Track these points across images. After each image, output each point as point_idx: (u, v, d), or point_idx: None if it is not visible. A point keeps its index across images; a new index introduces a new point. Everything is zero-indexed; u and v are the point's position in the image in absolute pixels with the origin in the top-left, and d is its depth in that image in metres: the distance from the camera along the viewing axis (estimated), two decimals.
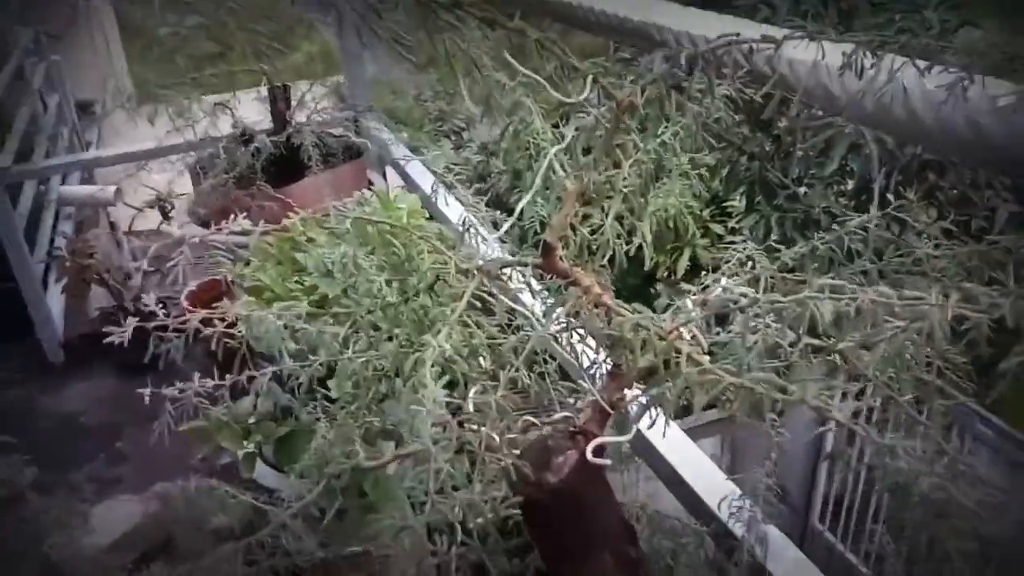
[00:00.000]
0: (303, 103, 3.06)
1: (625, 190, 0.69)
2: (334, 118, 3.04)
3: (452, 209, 1.22)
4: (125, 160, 3.44)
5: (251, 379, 0.88)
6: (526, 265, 0.66)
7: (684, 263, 5.02)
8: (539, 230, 0.74)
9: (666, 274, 5.12)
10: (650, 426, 0.83)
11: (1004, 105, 0.71)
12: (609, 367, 0.72)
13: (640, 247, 3.16)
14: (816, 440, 4.14)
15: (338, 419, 0.85)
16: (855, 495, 3.97)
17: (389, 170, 3.24)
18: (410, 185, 2.62)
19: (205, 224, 3.19)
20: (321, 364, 0.90)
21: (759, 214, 3.04)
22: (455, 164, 1.10)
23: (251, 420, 2.12)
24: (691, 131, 0.75)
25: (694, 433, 1.44)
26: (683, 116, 0.74)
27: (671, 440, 1.40)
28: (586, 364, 0.85)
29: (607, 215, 0.69)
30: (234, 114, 2.99)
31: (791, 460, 4.13)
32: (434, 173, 1.15)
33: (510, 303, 0.70)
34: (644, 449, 1.40)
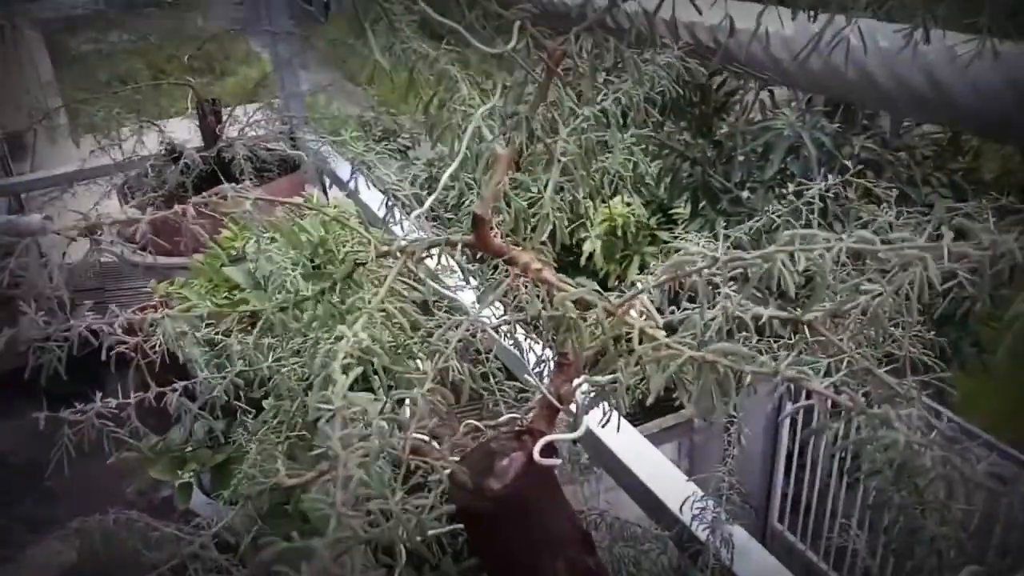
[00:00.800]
0: (235, 118, 2.96)
1: (564, 159, 0.62)
2: (268, 132, 2.94)
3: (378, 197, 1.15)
4: (49, 184, 3.29)
5: (160, 396, 0.79)
6: (455, 244, 0.59)
7: (634, 271, 5.02)
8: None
9: (617, 283, 5.11)
10: (604, 423, 0.77)
11: (963, 56, 0.66)
12: (555, 359, 0.65)
13: (591, 256, 3.11)
14: (772, 441, 4.14)
15: (259, 435, 0.77)
16: (812, 494, 3.98)
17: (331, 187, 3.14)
18: (340, 186, 2.54)
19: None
20: (241, 376, 0.81)
21: (704, 219, 3.06)
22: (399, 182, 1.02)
23: (188, 449, 2.01)
24: (632, 99, 0.69)
25: (651, 440, 1.38)
26: (624, 79, 0.68)
27: (629, 444, 1.34)
28: (532, 361, 0.79)
29: (545, 187, 0.62)
30: (162, 131, 2.88)
31: (748, 462, 4.13)
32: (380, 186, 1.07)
33: (438, 288, 0.62)
34: (601, 455, 1.33)
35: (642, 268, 5.27)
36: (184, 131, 3.03)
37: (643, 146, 0.72)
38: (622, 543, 1.11)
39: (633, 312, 0.50)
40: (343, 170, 2.62)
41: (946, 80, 0.68)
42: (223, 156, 2.72)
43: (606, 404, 0.79)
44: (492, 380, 0.85)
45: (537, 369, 0.81)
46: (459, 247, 0.58)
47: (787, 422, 3.93)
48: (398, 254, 0.58)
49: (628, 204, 4.82)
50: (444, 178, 0.59)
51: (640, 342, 0.47)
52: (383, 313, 0.49)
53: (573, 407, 0.71)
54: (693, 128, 2.62)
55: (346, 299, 0.60)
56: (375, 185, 0.73)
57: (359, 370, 0.42)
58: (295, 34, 2.96)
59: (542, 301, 0.59)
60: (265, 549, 0.38)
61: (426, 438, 0.47)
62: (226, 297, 1.60)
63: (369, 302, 0.51)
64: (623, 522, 1.13)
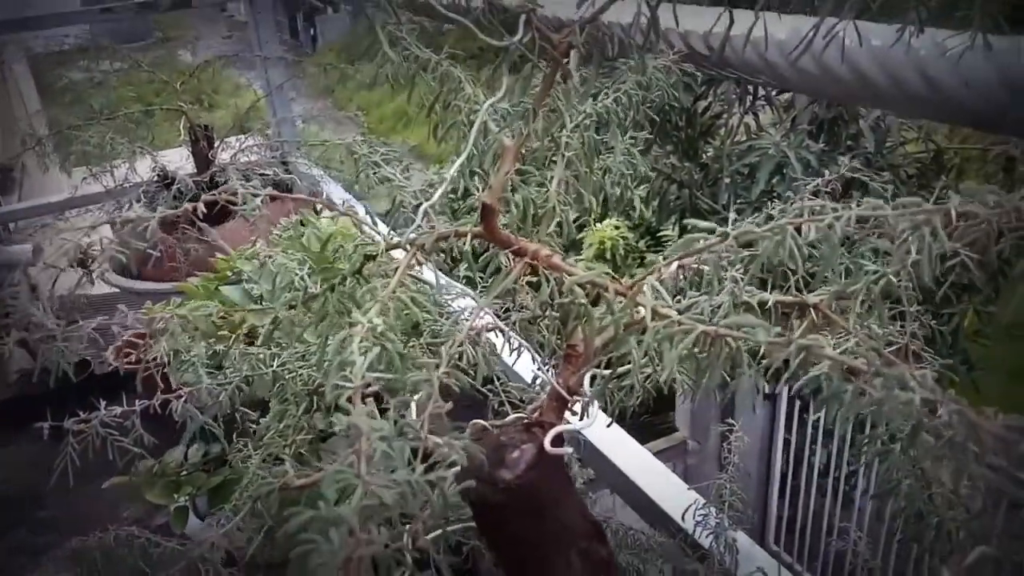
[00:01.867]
0: (227, 144, 2.97)
1: (568, 153, 0.63)
2: (261, 157, 2.95)
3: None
4: (41, 212, 3.28)
5: (165, 404, 0.79)
6: (464, 235, 0.59)
7: None
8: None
9: None
10: (609, 424, 0.77)
11: (954, 51, 0.68)
12: (564, 351, 0.66)
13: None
14: (766, 463, 4.15)
15: (265, 439, 0.77)
16: (807, 515, 4.02)
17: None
18: (332, 208, 2.55)
19: (127, 272, 3.05)
20: (245, 381, 0.81)
21: None
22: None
23: (183, 472, 1.99)
24: (632, 100, 0.71)
25: None
26: (623, 80, 0.69)
27: (629, 454, 1.35)
28: (536, 360, 0.79)
29: (550, 181, 0.63)
30: (154, 157, 2.88)
31: (742, 484, 4.13)
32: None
33: (446, 280, 0.63)
34: (602, 465, 1.34)
35: None
36: (176, 158, 3.04)
37: (641, 148, 0.73)
38: (626, 550, 1.11)
39: (644, 292, 0.51)
40: (336, 193, 2.63)
41: (938, 75, 0.70)
42: (216, 181, 2.72)
43: (608, 409, 0.79)
44: (497, 382, 0.86)
45: (543, 367, 0.81)
46: (468, 238, 0.58)
47: (780, 445, 3.95)
48: (408, 247, 0.58)
49: (617, 227, 4.86)
50: (452, 171, 0.60)
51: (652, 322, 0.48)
52: (396, 301, 0.50)
53: (578, 406, 0.71)
54: (679, 151, 2.67)
55: (355, 294, 0.61)
56: (378, 185, 0.74)
57: (377, 350, 0.43)
58: (286, 60, 2.99)
59: (550, 293, 0.60)
60: (289, 521, 0.38)
61: (439, 440, 0.47)
62: (222, 316, 1.60)
63: (381, 290, 0.51)
64: (627, 528, 1.13)
